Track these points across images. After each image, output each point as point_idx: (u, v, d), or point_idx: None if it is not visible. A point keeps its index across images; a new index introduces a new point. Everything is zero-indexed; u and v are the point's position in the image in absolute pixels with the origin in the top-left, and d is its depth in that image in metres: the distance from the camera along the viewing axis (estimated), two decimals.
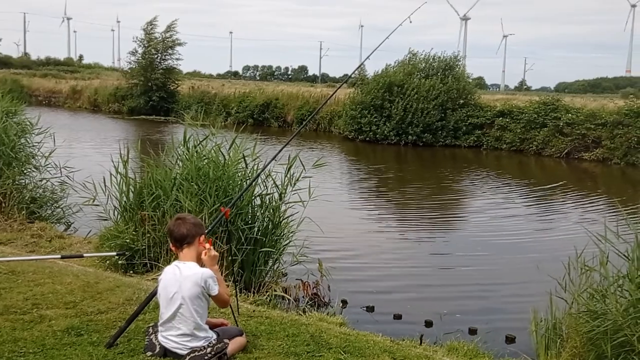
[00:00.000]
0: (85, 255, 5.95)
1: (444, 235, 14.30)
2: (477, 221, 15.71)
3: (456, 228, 15.29)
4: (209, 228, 5.31)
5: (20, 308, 5.12)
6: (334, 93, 9.86)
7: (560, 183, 22.71)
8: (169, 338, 4.27)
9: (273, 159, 6.30)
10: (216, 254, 4.48)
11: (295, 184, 8.77)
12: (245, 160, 8.77)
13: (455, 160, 30.52)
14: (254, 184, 8.41)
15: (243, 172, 8.93)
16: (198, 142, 9.19)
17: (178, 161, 9.26)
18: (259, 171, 8.20)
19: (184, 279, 4.16)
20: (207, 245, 4.35)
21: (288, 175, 8.77)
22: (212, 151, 8.98)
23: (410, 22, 7.01)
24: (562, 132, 31.28)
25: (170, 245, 4.35)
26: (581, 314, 5.84)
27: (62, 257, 5.86)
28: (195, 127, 9.58)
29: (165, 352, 4.29)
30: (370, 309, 8.81)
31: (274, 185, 8.84)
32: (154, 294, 4.52)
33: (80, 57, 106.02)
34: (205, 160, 8.90)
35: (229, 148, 8.98)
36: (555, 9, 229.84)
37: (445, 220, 16.07)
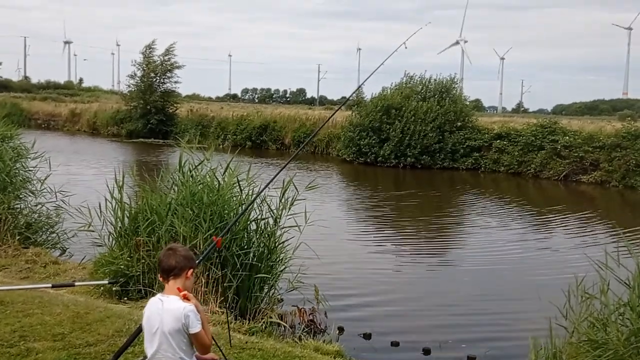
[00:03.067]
0: (76, 283, 5.83)
1: (443, 260, 14.18)
2: (476, 245, 15.60)
3: (455, 252, 15.16)
4: (200, 258, 5.20)
5: (7, 341, 5.00)
6: (329, 118, 9.88)
7: (559, 206, 22.62)
8: None
9: (267, 185, 6.23)
10: (197, 304, 4.29)
11: (290, 208, 8.68)
12: (239, 184, 8.68)
13: (454, 182, 30.45)
14: (248, 209, 8.31)
15: (238, 197, 8.85)
16: (193, 167, 9.14)
17: (173, 186, 9.20)
18: (253, 197, 8.11)
19: (165, 312, 4.01)
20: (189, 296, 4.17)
21: (283, 200, 8.68)
22: (207, 176, 8.90)
23: (406, 47, 6.99)
24: (560, 154, 31.26)
25: (159, 275, 4.21)
26: (582, 343, 5.72)
27: (53, 286, 5.73)
28: (191, 150, 9.50)
29: None
30: (367, 336, 8.68)
31: (269, 210, 8.75)
32: (140, 328, 4.39)
33: (80, 80, 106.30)
34: (200, 185, 8.84)
35: (224, 172, 8.90)
36: (551, 32, 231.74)
37: (443, 244, 15.96)
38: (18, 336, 5.14)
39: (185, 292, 4.08)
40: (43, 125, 56.51)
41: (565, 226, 18.74)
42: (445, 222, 19.21)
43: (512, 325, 9.48)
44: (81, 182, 19.39)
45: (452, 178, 31.80)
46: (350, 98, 35.93)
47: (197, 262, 4.37)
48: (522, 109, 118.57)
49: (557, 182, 30.64)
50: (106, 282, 7.20)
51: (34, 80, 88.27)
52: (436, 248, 15.35)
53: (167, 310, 3.97)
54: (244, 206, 8.46)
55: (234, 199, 8.75)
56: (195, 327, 3.95)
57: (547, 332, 6.29)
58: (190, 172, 9.02)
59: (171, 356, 4.00)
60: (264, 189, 6.79)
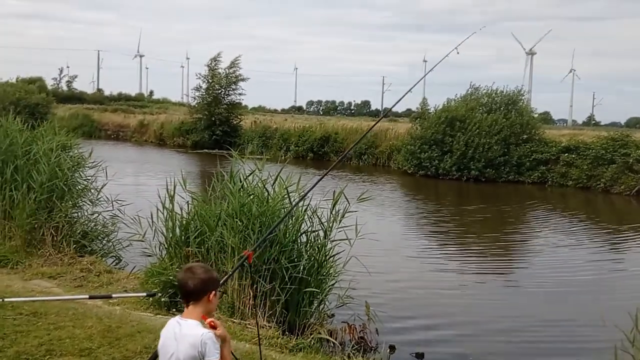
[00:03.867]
0: (114, 295, 5.72)
1: (507, 280, 13.55)
2: (543, 264, 14.86)
3: (520, 272, 14.39)
4: (230, 273, 4.99)
5: (32, 355, 4.91)
6: (372, 127, 9.57)
7: (632, 223, 21.52)
8: None
9: (303, 197, 5.99)
10: (223, 334, 3.99)
11: (341, 220, 8.43)
12: (289, 195, 8.49)
13: (519, 196, 29.54)
14: (295, 220, 8.12)
15: (289, 208, 8.65)
16: (244, 177, 9.02)
17: (224, 197, 9.10)
18: (290, 208, 7.89)
19: (181, 337, 3.76)
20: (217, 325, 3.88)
21: (334, 212, 8.44)
22: (257, 186, 8.77)
23: (458, 53, 6.66)
24: (632, 168, 29.91)
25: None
26: None
27: (90, 297, 5.66)
28: (250, 160, 9.43)
29: None
30: (420, 356, 8.32)
31: (319, 222, 8.53)
32: (156, 353, 4.16)
33: (151, 92, 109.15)
34: (251, 196, 8.70)
35: (273, 183, 8.73)
36: (625, 43, 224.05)
37: (508, 263, 15.26)
38: (45, 350, 5.05)
39: (213, 319, 3.82)
40: (112, 136, 58.08)
41: (638, 245, 17.77)
42: (511, 238, 18.47)
43: (574, 353, 8.91)
44: (142, 192, 19.66)
45: (517, 192, 30.87)
46: (415, 109, 35.48)
47: (221, 281, 4.05)
48: (594, 121, 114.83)
49: (628, 197, 29.29)
50: (144, 294, 7.08)
51: (107, 93, 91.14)
52: (500, 267, 14.66)
53: (184, 336, 3.70)
54: (293, 217, 8.28)
55: (284, 210, 8.55)
56: (212, 356, 3.63)
57: (611, 358, 5.85)
58: (241, 182, 8.90)
59: None
60: (299, 201, 6.56)
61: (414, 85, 6.81)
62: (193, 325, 3.70)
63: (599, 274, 13.93)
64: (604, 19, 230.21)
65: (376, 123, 8.11)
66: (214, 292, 3.76)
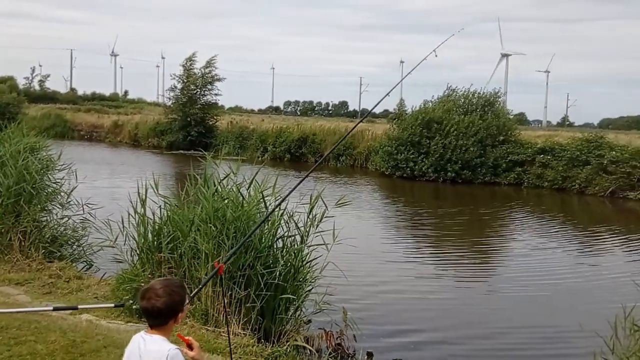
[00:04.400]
0: (79, 307, 5.45)
1: (483, 282, 13.50)
2: (520, 267, 14.77)
3: (497, 275, 14.30)
4: (200, 287, 4.76)
5: None
6: (346, 136, 9.39)
7: (607, 225, 21.65)
8: None
9: (279, 204, 5.79)
10: (197, 357, 3.72)
11: (318, 225, 8.25)
12: (264, 200, 8.28)
13: (495, 198, 29.65)
14: (271, 225, 7.91)
15: (265, 213, 8.44)
16: (219, 181, 8.80)
17: (198, 201, 8.86)
18: (265, 215, 7.68)
19: (146, 353, 3.50)
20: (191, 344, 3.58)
21: (310, 216, 8.25)
22: (232, 190, 8.54)
23: (436, 56, 6.51)
24: (606, 170, 30.14)
25: None
26: None
27: (55, 309, 5.37)
28: (226, 162, 9.22)
29: None
30: None
31: (296, 227, 8.34)
32: None
33: (126, 92, 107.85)
34: (226, 200, 8.48)
35: (249, 187, 8.51)
36: (599, 44, 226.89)
37: (485, 265, 15.18)
38: None
39: (190, 338, 3.55)
40: (86, 137, 57.28)
41: (614, 247, 17.82)
42: (489, 241, 18.43)
43: (551, 357, 8.81)
44: (116, 195, 19.29)
45: (493, 193, 30.99)
46: (392, 111, 35.45)
47: (187, 302, 3.68)
48: (568, 122, 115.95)
49: (603, 198, 29.51)
50: (112, 305, 6.81)
51: (80, 92, 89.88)
52: (479, 271, 14.53)
53: (148, 352, 3.42)
54: (266, 223, 8.07)
55: (259, 214, 8.34)
56: None
57: None
58: (215, 186, 8.67)
59: None
60: (273, 209, 6.36)
61: (389, 92, 6.65)
62: (158, 341, 3.42)
63: (577, 277, 13.87)
64: (580, 21, 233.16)
65: (350, 131, 7.89)
66: (180, 314, 3.49)
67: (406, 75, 6.70)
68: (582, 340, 7.85)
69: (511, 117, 38.38)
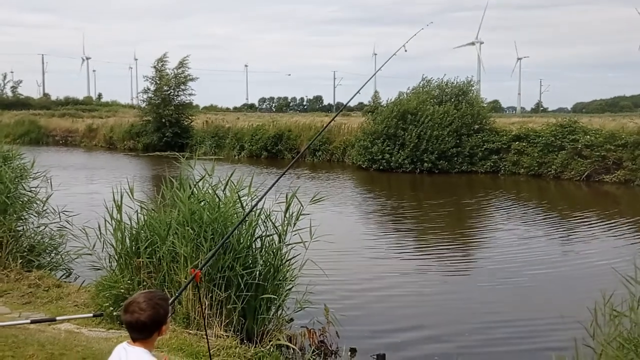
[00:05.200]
0: (57, 318, 5.38)
1: (463, 272, 13.58)
2: (498, 255, 14.87)
3: (480, 266, 14.21)
4: (177, 294, 4.73)
5: None
6: (319, 134, 9.39)
7: (585, 209, 21.85)
8: None
9: (253, 208, 5.77)
10: None
11: (295, 223, 8.26)
12: (241, 200, 8.27)
13: (473, 186, 29.83)
14: (248, 225, 7.90)
15: (242, 213, 8.43)
16: (194, 183, 8.77)
17: (174, 204, 8.81)
18: (241, 217, 7.66)
19: None
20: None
21: (287, 215, 8.25)
22: (208, 192, 8.52)
23: (405, 50, 6.54)
24: (581, 154, 30.52)
25: None
26: None
27: (32, 322, 5.30)
28: (203, 162, 9.18)
29: None
30: (381, 358, 8.18)
31: (273, 227, 8.34)
32: None
33: (99, 95, 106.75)
34: (202, 202, 8.45)
35: (224, 187, 8.49)
36: (569, 29, 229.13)
37: (468, 258, 15.11)
38: None
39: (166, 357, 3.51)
40: (61, 142, 56.71)
41: (591, 232, 17.93)
42: (471, 233, 18.45)
43: (536, 344, 8.88)
44: (93, 201, 19.11)
45: (471, 182, 31.18)
46: (367, 104, 35.50)
47: (169, 314, 3.65)
48: (542, 108, 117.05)
49: (579, 182, 29.89)
50: (91, 315, 6.76)
51: (54, 97, 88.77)
52: (461, 264, 14.46)
53: None
54: (244, 224, 8.06)
55: (236, 215, 8.32)
56: None
57: (573, 353, 5.82)
58: (191, 188, 8.64)
59: None
60: (249, 212, 6.34)
61: (361, 88, 6.68)
62: (140, 353, 3.40)
63: (560, 266, 13.82)
64: (547, 7, 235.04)
65: (324, 129, 7.85)
66: (162, 327, 3.47)
67: (377, 71, 6.73)
68: (565, 328, 7.93)
69: (485, 105, 38.63)
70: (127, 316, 3.32)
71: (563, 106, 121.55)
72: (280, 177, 6.05)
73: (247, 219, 8.04)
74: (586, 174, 30.11)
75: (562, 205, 23.80)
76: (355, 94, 6.68)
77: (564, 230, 18.30)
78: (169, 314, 3.44)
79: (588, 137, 30.62)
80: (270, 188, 5.56)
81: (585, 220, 19.66)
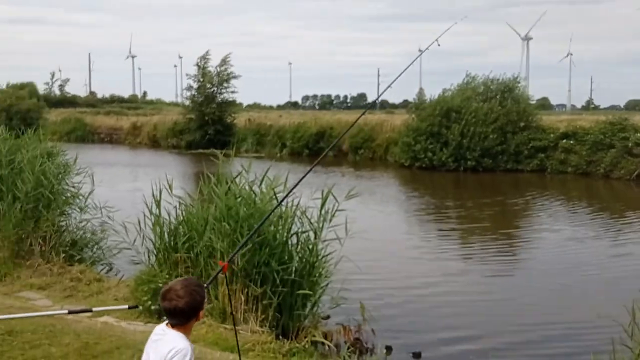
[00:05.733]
0: (94, 309, 5.47)
1: (505, 273, 13.25)
2: (543, 255, 14.46)
3: (518, 263, 14.01)
4: (206, 285, 4.70)
5: None
6: (353, 124, 9.30)
7: (632, 207, 21.20)
8: None
9: (281, 202, 5.73)
10: None
11: (331, 220, 8.20)
12: (276, 196, 8.24)
13: (518, 185, 29.31)
14: (284, 221, 7.88)
15: (278, 209, 8.40)
16: (232, 179, 8.80)
17: (211, 200, 8.86)
18: (277, 212, 7.64)
19: (162, 344, 3.43)
20: None
21: (323, 212, 8.20)
22: (244, 188, 8.54)
23: (439, 45, 6.39)
24: (632, 152, 29.65)
25: None
26: None
27: (70, 312, 5.40)
28: (246, 159, 9.22)
29: None
30: (417, 356, 8.10)
31: (309, 223, 8.31)
32: None
33: (144, 93, 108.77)
34: (239, 198, 8.47)
35: (260, 184, 8.49)
36: (622, 24, 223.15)
37: (507, 255, 14.77)
38: None
39: None
40: (106, 139, 57.70)
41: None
42: (510, 229, 18.15)
43: (573, 348, 8.60)
44: (137, 197, 19.37)
45: (516, 181, 30.63)
46: (412, 100, 35.19)
47: (205, 300, 3.77)
48: (592, 105, 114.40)
49: (629, 181, 29.02)
50: (126, 307, 6.85)
51: (100, 95, 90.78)
52: (499, 262, 14.10)
53: (159, 345, 3.50)
54: (282, 220, 8.06)
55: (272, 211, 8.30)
56: None
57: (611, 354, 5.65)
58: (228, 184, 8.66)
59: None
60: (281, 201, 6.30)
61: (392, 83, 6.55)
62: (176, 337, 3.45)
63: (606, 267, 13.38)
64: (598, 2, 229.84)
65: (359, 118, 7.76)
66: (201, 312, 3.54)
67: (408, 67, 6.57)
68: (605, 329, 7.67)
69: (532, 102, 37.91)
70: (166, 303, 3.44)
71: (616, 103, 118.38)
72: (304, 177, 5.91)
73: (278, 213, 8.04)
74: (637, 172, 29.22)
75: (612, 205, 23.18)
76: (386, 89, 6.59)
77: (614, 231, 17.73)
78: (205, 300, 3.55)
79: (639, 135, 29.75)
80: (295, 186, 5.52)
81: (636, 220, 19.06)
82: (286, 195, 6.33)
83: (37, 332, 5.75)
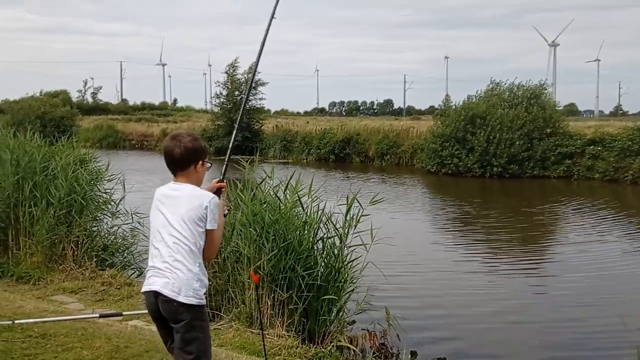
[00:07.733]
0: (124, 313, 5.68)
1: (533, 277, 13.17)
2: (573, 263, 14.13)
3: (547, 269, 13.80)
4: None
5: None
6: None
7: None
8: (157, 269, 3.53)
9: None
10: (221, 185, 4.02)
11: (356, 225, 8.33)
12: (301, 202, 8.41)
13: (545, 191, 29.11)
14: (310, 227, 8.03)
15: (305, 215, 8.56)
16: (257, 185, 8.98)
17: (237, 206, 9.04)
18: (303, 219, 7.76)
19: (185, 197, 3.56)
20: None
21: (348, 217, 8.33)
22: (269, 194, 8.71)
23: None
24: None
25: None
26: None
27: (101, 316, 5.62)
28: (274, 165, 9.40)
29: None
30: None
31: (334, 228, 8.44)
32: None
33: (175, 100, 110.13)
34: (264, 204, 8.63)
35: (285, 190, 8.65)
36: None
37: (535, 264, 14.50)
38: None
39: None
40: (137, 146, 58.50)
41: None
42: (538, 234, 17.98)
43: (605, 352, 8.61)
44: None
45: (543, 187, 30.43)
46: (438, 106, 35.14)
47: (207, 154, 3.85)
48: (621, 111, 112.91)
49: None
50: None
51: (131, 102, 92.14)
52: (532, 271, 13.84)
53: (184, 195, 3.56)
54: (305, 225, 8.21)
55: (297, 217, 8.47)
56: (213, 224, 3.56)
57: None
58: (253, 190, 8.84)
59: (182, 246, 3.48)
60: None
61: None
62: (192, 187, 3.62)
63: (629, 273, 13.21)
64: (627, 7, 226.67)
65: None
66: (200, 162, 3.68)
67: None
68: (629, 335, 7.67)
69: (559, 108, 37.64)
70: (169, 142, 3.68)
71: None
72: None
73: (308, 220, 8.20)
74: None
75: None
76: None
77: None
78: (205, 157, 3.78)
79: None
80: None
81: None
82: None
83: (69, 336, 5.94)
